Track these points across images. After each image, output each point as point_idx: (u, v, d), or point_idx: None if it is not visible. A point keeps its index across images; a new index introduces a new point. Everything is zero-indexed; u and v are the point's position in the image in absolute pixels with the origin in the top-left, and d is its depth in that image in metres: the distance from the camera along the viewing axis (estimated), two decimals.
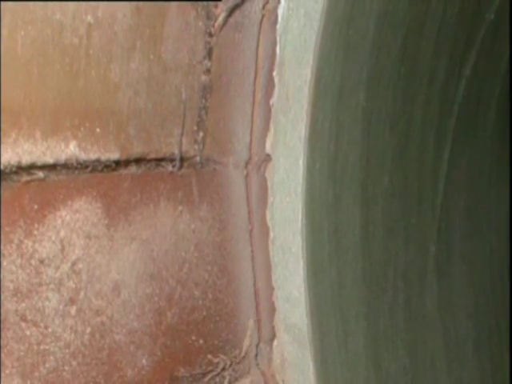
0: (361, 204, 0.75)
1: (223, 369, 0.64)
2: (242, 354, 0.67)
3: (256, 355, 0.69)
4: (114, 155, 0.50)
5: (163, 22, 0.53)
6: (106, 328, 0.51)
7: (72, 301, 0.48)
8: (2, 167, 0.42)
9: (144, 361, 0.54)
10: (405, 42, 0.78)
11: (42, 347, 0.45)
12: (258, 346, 0.69)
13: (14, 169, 0.42)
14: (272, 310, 0.70)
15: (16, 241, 0.43)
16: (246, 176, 0.67)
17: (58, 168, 0.46)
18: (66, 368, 0.47)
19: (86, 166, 0.48)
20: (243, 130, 0.66)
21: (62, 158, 0.46)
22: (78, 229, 0.48)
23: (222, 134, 0.63)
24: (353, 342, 0.74)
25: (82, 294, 0.48)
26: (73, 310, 0.48)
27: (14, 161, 0.42)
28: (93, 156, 0.48)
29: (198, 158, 0.60)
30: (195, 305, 0.60)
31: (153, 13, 0.52)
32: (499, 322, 1.28)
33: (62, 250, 0.47)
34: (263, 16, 0.65)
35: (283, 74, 0.66)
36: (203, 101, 0.60)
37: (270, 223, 0.68)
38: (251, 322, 0.68)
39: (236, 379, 0.66)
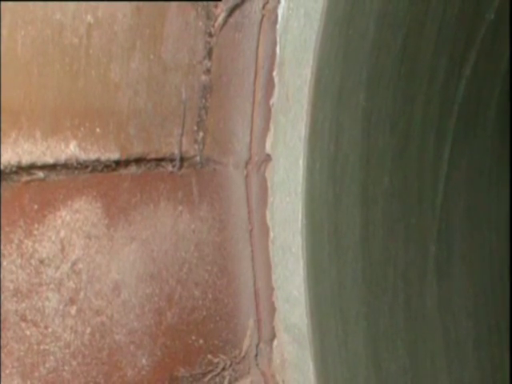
0: (361, 204, 0.75)
1: (223, 369, 0.64)
2: (242, 354, 0.67)
3: (256, 355, 0.69)
4: (114, 155, 0.50)
5: (163, 22, 0.53)
6: (106, 328, 0.51)
7: (72, 301, 0.48)
8: (2, 167, 0.42)
9: (144, 361, 0.54)
10: (405, 41, 0.78)
11: (42, 347, 0.45)
12: (257, 345, 0.69)
13: (14, 169, 0.42)
14: (272, 309, 0.70)
15: (16, 241, 0.43)
16: (246, 176, 0.67)
17: (58, 168, 0.46)
18: (66, 368, 0.47)
19: (86, 166, 0.48)
20: (243, 130, 0.66)
21: (62, 158, 0.46)
22: (77, 229, 0.48)
23: (221, 134, 0.63)
24: (353, 342, 0.74)
25: (82, 294, 0.48)
26: (73, 309, 0.48)
27: (14, 161, 0.42)
28: (93, 156, 0.48)
29: (197, 158, 0.60)
30: (195, 305, 0.60)
31: (153, 13, 0.52)
32: (499, 322, 1.28)
33: (62, 250, 0.47)
34: (263, 16, 0.65)
35: (283, 74, 0.66)
36: (203, 101, 0.60)
37: (270, 223, 0.68)
38: (251, 322, 0.68)
39: (236, 379, 0.66)
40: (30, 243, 0.44)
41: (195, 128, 0.59)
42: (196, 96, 0.59)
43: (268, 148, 0.68)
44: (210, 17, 0.59)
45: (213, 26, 0.59)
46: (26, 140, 0.43)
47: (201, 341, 0.61)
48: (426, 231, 0.97)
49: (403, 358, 0.87)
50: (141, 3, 0.51)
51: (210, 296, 0.62)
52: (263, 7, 0.64)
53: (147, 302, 0.55)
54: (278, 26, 0.65)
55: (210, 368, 0.62)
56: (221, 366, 0.64)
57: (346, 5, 0.64)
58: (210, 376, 0.62)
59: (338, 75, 0.67)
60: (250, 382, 0.68)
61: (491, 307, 1.25)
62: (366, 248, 0.77)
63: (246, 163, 0.67)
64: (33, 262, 0.45)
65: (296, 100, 0.65)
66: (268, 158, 0.68)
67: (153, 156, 0.54)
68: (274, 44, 0.66)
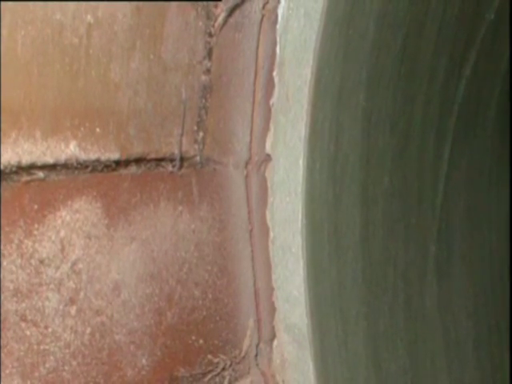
0: (361, 204, 0.75)
1: (223, 369, 0.64)
2: (242, 354, 0.67)
3: (256, 355, 0.69)
4: (114, 155, 0.50)
5: (163, 22, 0.53)
6: (106, 328, 0.51)
7: (72, 301, 0.48)
8: (2, 167, 0.42)
9: (144, 361, 0.54)
10: (405, 41, 0.78)
11: (42, 347, 0.45)
12: (258, 346, 0.69)
13: (14, 169, 0.42)
14: (272, 310, 0.70)
15: (16, 241, 0.43)
16: (246, 176, 0.67)
17: (58, 168, 0.46)
18: (66, 368, 0.47)
19: (86, 166, 0.48)
20: (243, 130, 0.66)
21: (62, 158, 0.46)
22: (77, 229, 0.48)
23: (221, 134, 0.63)
24: (353, 342, 0.74)
25: (82, 294, 0.48)
26: (73, 309, 0.48)
27: (14, 161, 0.42)
28: (93, 156, 0.48)
29: (197, 158, 0.60)
30: (195, 305, 0.60)
31: (153, 13, 0.52)
32: (499, 322, 1.28)
33: (62, 250, 0.47)
34: (263, 16, 0.65)
35: (283, 74, 0.66)
36: (203, 101, 0.60)
37: (270, 223, 0.68)
38: (251, 322, 0.68)
39: (236, 379, 0.66)
40: (29, 243, 0.44)
41: (195, 128, 0.59)
42: (196, 96, 0.59)
43: (268, 148, 0.68)
44: (210, 17, 0.59)
45: (213, 25, 0.59)
46: (26, 140, 0.43)
47: (201, 341, 0.61)
48: (426, 231, 0.97)
49: (403, 358, 0.87)
50: (141, 3, 0.51)
51: (210, 296, 0.62)
52: (263, 7, 0.64)
53: (147, 302, 0.55)
54: (278, 26, 0.65)
55: (210, 368, 0.62)
56: (221, 366, 0.64)
57: (345, 5, 0.64)
58: (209, 376, 0.62)
59: (337, 75, 0.67)
60: (250, 381, 0.68)
61: (491, 307, 1.25)
62: (366, 248, 0.77)
63: (246, 163, 0.67)
64: (33, 261, 0.45)
65: (296, 100, 0.65)
66: (268, 158, 0.68)
67: (153, 156, 0.54)
68: (274, 44, 0.66)
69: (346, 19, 0.65)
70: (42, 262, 0.45)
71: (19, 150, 0.42)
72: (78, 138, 0.47)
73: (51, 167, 0.45)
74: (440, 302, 1.01)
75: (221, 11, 0.59)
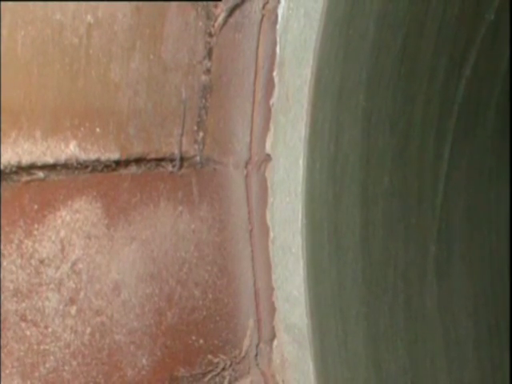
0: (361, 204, 0.75)
1: (223, 369, 0.64)
2: (242, 354, 0.67)
3: (256, 355, 0.69)
4: (114, 155, 0.50)
5: (163, 22, 0.53)
6: (106, 328, 0.51)
7: (72, 301, 0.48)
8: (2, 167, 0.42)
9: (144, 361, 0.54)
10: (405, 41, 0.78)
11: (42, 347, 0.45)
12: (258, 346, 0.69)
13: (14, 169, 0.42)
14: (272, 310, 0.70)
15: (16, 241, 0.43)
16: (246, 176, 0.67)
17: (58, 168, 0.46)
18: (66, 368, 0.47)
19: (86, 166, 0.48)
20: (243, 130, 0.66)
21: (62, 158, 0.46)
22: (77, 229, 0.48)
23: (221, 134, 0.63)
24: (353, 342, 0.74)
25: (82, 294, 0.48)
26: (73, 309, 0.48)
27: (14, 161, 0.42)
28: (93, 156, 0.48)
29: (197, 158, 0.60)
30: (195, 305, 0.60)
31: (153, 13, 0.52)
32: (499, 322, 1.28)
33: (62, 249, 0.47)
34: (263, 16, 0.65)
35: (283, 74, 0.66)
36: (203, 101, 0.60)
37: (270, 223, 0.68)
38: (251, 322, 0.68)
39: (236, 379, 0.66)
40: (29, 243, 0.44)
41: (195, 128, 0.59)
42: (196, 96, 0.59)
43: (268, 148, 0.68)
44: (210, 17, 0.59)
45: (213, 25, 0.59)
46: (26, 140, 0.43)
47: (201, 341, 0.61)
48: (426, 231, 0.97)
49: (403, 358, 0.87)
50: (141, 3, 0.51)
51: (210, 296, 0.62)
52: (263, 7, 0.64)
53: (147, 302, 0.55)
54: (278, 26, 0.65)
55: (210, 368, 0.62)
56: (221, 366, 0.64)
57: (346, 5, 0.64)
58: (209, 376, 0.62)
59: (338, 75, 0.67)
60: (250, 381, 0.68)
61: (491, 307, 1.25)
62: (366, 248, 0.77)
63: (246, 163, 0.67)
64: (33, 262, 0.45)
65: (296, 100, 0.65)
66: (268, 158, 0.68)
67: (153, 156, 0.54)
68: (274, 44, 0.66)
69: (346, 19, 0.65)
70: (41, 262, 0.45)
71: (19, 150, 0.42)
72: (78, 138, 0.47)
73: (51, 167, 0.45)
74: (440, 302, 1.01)
75: (221, 11, 0.59)
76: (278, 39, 0.66)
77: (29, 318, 0.44)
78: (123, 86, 0.50)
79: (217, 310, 0.63)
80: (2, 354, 0.43)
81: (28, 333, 0.44)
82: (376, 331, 0.80)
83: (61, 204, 0.46)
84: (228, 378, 0.65)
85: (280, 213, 0.67)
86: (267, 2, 0.64)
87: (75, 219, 0.48)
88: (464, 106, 1.01)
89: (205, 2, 0.58)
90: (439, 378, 1.00)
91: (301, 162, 0.64)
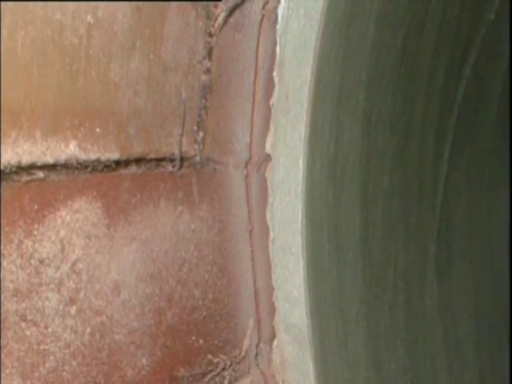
0: (361, 204, 0.75)
1: (223, 369, 0.64)
2: (242, 354, 0.67)
3: (256, 355, 0.69)
4: (114, 155, 0.50)
5: (163, 22, 0.53)
6: (106, 328, 0.51)
7: (72, 301, 0.48)
8: (2, 167, 0.42)
9: (144, 361, 0.54)
10: (405, 41, 0.78)
11: (42, 347, 0.45)
12: (258, 346, 0.69)
13: (14, 169, 0.42)
14: (272, 310, 0.70)
15: (16, 241, 0.43)
16: (246, 176, 0.67)
17: (58, 168, 0.46)
18: (66, 368, 0.47)
19: (86, 166, 0.48)
20: (243, 130, 0.66)
21: (62, 157, 0.46)
22: (77, 229, 0.48)
23: (221, 134, 0.63)
24: (353, 342, 0.74)
25: (82, 294, 0.48)
26: (73, 309, 0.48)
27: (14, 161, 0.42)
28: (93, 156, 0.48)
29: (197, 158, 0.60)
30: (195, 305, 0.60)
31: (153, 13, 0.52)
32: (499, 322, 1.28)
33: (62, 249, 0.47)
34: (263, 16, 0.65)
35: (283, 74, 0.66)
36: (203, 101, 0.60)
37: (270, 223, 0.68)
38: (251, 322, 0.68)
39: (236, 379, 0.66)
40: (29, 243, 0.44)
41: (195, 128, 0.59)
42: (196, 96, 0.59)
43: (268, 148, 0.68)
44: (210, 17, 0.59)
45: (213, 25, 0.59)
46: (26, 140, 0.43)
47: (201, 341, 0.61)
48: (426, 231, 0.97)
49: (403, 358, 0.87)
50: (141, 3, 0.51)
51: (210, 296, 0.62)
52: (263, 7, 0.64)
53: (147, 302, 0.55)
54: (278, 26, 0.65)
55: (210, 368, 0.62)
56: (221, 366, 0.64)
57: (346, 5, 0.64)
58: (209, 376, 0.62)
59: (337, 75, 0.67)
60: (250, 381, 0.68)
61: (491, 307, 1.25)
62: (366, 248, 0.77)
63: (246, 163, 0.67)
64: (33, 262, 0.45)
65: (296, 100, 0.65)
66: (268, 158, 0.68)
67: (153, 156, 0.54)
68: (274, 44, 0.66)
69: (346, 19, 0.65)
70: (41, 262, 0.45)
71: (19, 150, 0.42)
72: (77, 138, 0.47)
73: (51, 167, 0.45)
74: (440, 302, 1.01)
75: (221, 11, 0.59)
76: (278, 39, 0.66)
77: (29, 318, 0.44)
78: (123, 85, 0.50)
79: (217, 310, 0.63)
80: (2, 354, 0.43)
81: (28, 333, 0.44)
82: (376, 331, 0.80)
83: (61, 204, 0.46)
84: (228, 377, 0.65)
85: (280, 213, 0.67)
86: (267, 2, 0.64)
87: (75, 219, 0.48)
88: (464, 105, 1.01)
89: (205, 2, 0.58)
90: (439, 377, 1.00)
91: (301, 162, 0.64)
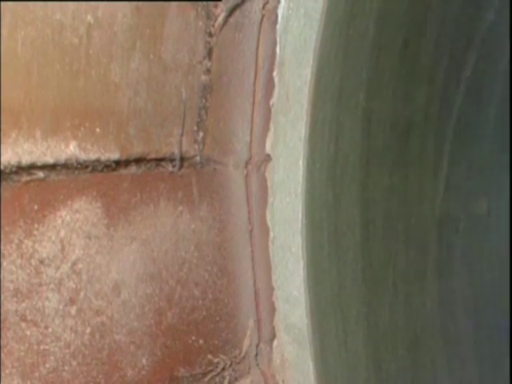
0: (361, 204, 0.75)
1: (223, 369, 0.64)
2: (242, 354, 0.67)
3: (256, 355, 0.69)
4: (114, 155, 0.50)
5: (163, 22, 0.53)
6: (106, 328, 0.51)
7: (72, 301, 0.48)
8: (2, 167, 0.42)
9: (144, 361, 0.54)
10: (405, 42, 0.78)
11: (42, 347, 0.45)
12: (258, 346, 0.69)
13: (13, 169, 0.42)
14: (272, 310, 0.70)
15: (16, 241, 0.43)
16: (246, 176, 0.67)
17: (58, 168, 0.46)
18: (66, 368, 0.47)
19: (86, 166, 0.48)
20: (243, 130, 0.66)
21: (62, 157, 0.46)
22: (77, 229, 0.48)
23: (221, 134, 0.63)
24: (353, 342, 0.74)
25: (82, 294, 0.48)
26: (73, 309, 0.48)
27: (14, 161, 0.42)
28: (93, 156, 0.48)
29: (197, 158, 0.60)
30: (195, 305, 0.60)
31: (153, 13, 0.52)
32: (499, 322, 1.28)
33: (62, 249, 0.47)
34: (263, 16, 0.65)
35: (283, 74, 0.66)
36: (203, 101, 0.60)
37: (270, 223, 0.68)
38: (251, 322, 0.68)
39: (236, 379, 0.66)
40: (29, 243, 0.44)
41: (195, 128, 0.59)
42: (196, 96, 0.59)
43: (268, 148, 0.68)
44: (210, 17, 0.59)
45: (213, 25, 0.59)
46: (26, 140, 0.43)
47: (201, 341, 0.61)
48: (426, 231, 0.97)
49: (403, 358, 0.87)
50: (141, 3, 0.51)
51: (210, 296, 0.62)
52: (263, 7, 0.64)
53: (147, 302, 0.55)
54: (278, 26, 0.65)
55: (210, 368, 0.62)
56: (221, 366, 0.64)
57: (346, 5, 0.64)
58: (209, 376, 0.62)
59: (337, 75, 0.67)
60: (250, 381, 0.68)
61: (491, 307, 1.25)
62: (366, 248, 0.77)
63: (246, 163, 0.67)
64: (33, 262, 0.45)
65: (296, 100, 0.65)
66: (268, 158, 0.68)
67: (153, 156, 0.54)
68: (274, 44, 0.66)
69: (346, 19, 0.65)
70: (41, 262, 0.45)
71: (19, 150, 0.42)
72: (78, 138, 0.47)
73: (51, 167, 0.45)
74: (440, 302, 1.01)
75: (221, 11, 0.59)
76: (278, 39, 0.66)
77: (29, 317, 0.44)
78: (123, 86, 0.50)
79: (217, 310, 0.63)
80: (2, 354, 0.43)
81: (28, 333, 0.44)
82: (376, 331, 0.80)
83: (61, 204, 0.46)
84: (228, 378, 0.65)
85: (280, 213, 0.67)
86: (267, 2, 0.64)
87: (75, 219, 0.48)
88: (464, 106, 1.01)
89: (205, 2, 0.58)
90: (439, 377, 1.00)
91: (301, 162, 0.64)
